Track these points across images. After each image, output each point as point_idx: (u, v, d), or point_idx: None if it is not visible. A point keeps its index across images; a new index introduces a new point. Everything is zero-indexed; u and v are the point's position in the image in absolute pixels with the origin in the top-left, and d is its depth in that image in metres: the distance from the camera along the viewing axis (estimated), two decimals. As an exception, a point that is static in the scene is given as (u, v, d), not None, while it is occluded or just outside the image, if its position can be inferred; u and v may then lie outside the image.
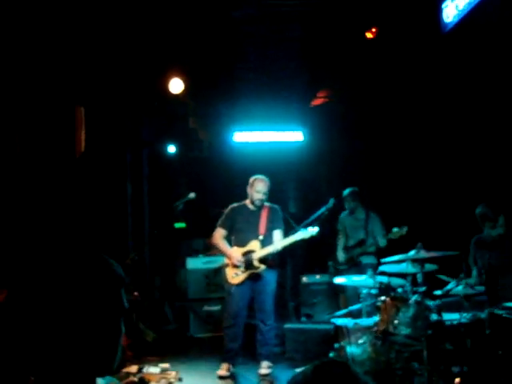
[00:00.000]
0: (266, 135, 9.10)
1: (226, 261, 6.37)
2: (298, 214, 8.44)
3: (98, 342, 1.26)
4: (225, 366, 6.23)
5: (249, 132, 9.18)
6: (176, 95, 8.35)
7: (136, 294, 7.30)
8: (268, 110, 9.20)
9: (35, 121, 6.98)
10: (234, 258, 6.19)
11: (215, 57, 8.30)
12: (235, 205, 6.54)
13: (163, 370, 6.01)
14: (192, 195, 7.19)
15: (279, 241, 6.19)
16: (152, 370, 5.94)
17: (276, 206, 6.51)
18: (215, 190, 8.30)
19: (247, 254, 6.21)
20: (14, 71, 6.41)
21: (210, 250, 8.37)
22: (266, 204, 6.44)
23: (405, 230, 6.47)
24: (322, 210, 6.65)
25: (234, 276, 6.22)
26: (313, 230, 6.04)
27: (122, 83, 7.91)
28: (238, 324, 6.25)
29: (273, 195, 6.61)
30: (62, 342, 1.22)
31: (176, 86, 8.18)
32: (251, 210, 6.41)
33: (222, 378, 6.16)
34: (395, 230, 6.51)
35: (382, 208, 7.42)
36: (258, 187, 6.33)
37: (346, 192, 7.42)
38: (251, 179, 6.45)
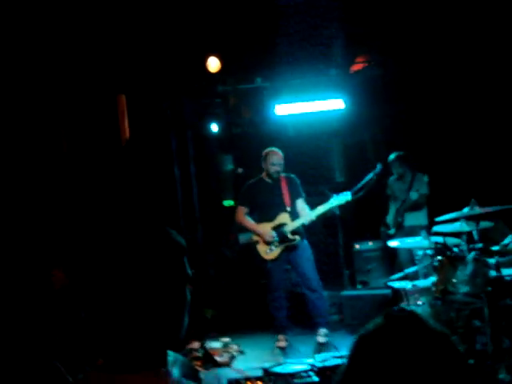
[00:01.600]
0: (307, 106, 9.01)
1: (254, 238, 6.31)
2: (346, 182, 8.38)
3: (164, 312, 1.29)
4: (281, 337, 6.30)
5: (290, 104, 9.11)
6: (214, 73, 8.36)
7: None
8: (307, 80, 9.10)
9: (79, 113, 7.13)
10: (266, 235, 6.15)
11: (251, 31, 8.25)
12: (252, 181, 6.47)
13: (225, 344, 6.12)
14: (240, 170, 7.23)
15: (312, 211, 6.12)
16: (214, 344, 6.05)
17: (292, 175, 6.42)
18: (260, 164, 8.30)
19: (278, 227, 6.16)
20: (55, 64, 6.53)
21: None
22: (282, 175, 6.37)
23: (425, 177, 6.83)
24: (370, 175, 6.60)
25: (269, 252, 6.18)
26: (346, 195, 6.00)
27: (161, 67, 7.95)
28: (280, 296, 6.30)
29: (318, 165, 6.58)
30: (127, 316, 1.26)
31: (213, 64, 8.18)
32: (270, 183, 6.33)
33: (281, 348, 6.23)
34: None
35: (432, 169, 7.29)
36: (273, 160, 6.24)
37: (392, 157, 7.33)
38: (264, 153, 6.36)
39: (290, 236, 6.12)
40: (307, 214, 6.12)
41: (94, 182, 6.71)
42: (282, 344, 6.26)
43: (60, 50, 6.53)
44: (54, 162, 6.75)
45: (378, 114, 9.21)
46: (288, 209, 6.20)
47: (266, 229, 6.19)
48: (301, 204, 6.27)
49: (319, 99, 9.10)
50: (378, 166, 6.66)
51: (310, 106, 8.95)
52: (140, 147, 7.94)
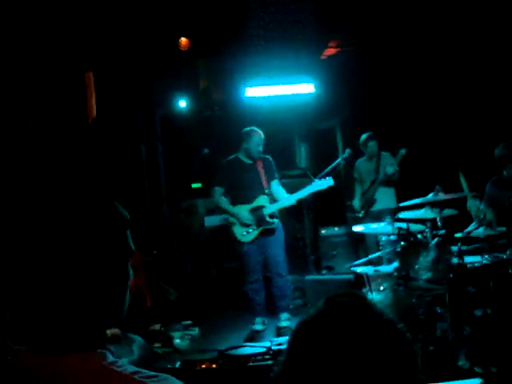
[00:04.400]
0: (278, 89, 8.96)
1: (230, 220, 6.18)
2: (312, 167, 8.35)
3: (103, 289, 1.21)
4: (259, 320, 6.24)
5: (260, 87, 9.04)
6: (185, 54, 8.22)
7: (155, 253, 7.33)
8: (279, 64, 9.03)
9: (45, 89, 6.93)
10: (244, 217, 6.03)
11: (222, 12, 8.12)
12: (228, 159, 6.28)
13: (186, 327, 6.06)
14: (206, 151, 7.13)
15: (293, 194, 6.06)
16: (176, 327, 5.99)
17: (267, 156, 6.29)
18: (229, 147, 8.22)
19: (256, 210, 6.06)
20: (22, 40, 6.33)
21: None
22: None
23: (403, 150, 6.79)
24: (338, 160, 6.58)
25: (245, 234, 6.06)
26: (329, 180, 5.95)
27: (130, 45, 7.79)
28: (259, 278, 6.25)
29: (285, 149, 6.51)
30: (62, 292, 1.17)
31: (184, 44, 8.04)
32: (247, 163, 6.18)
33: (259, 331, 6.17)
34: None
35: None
36: (257, 139, 6.09)
37: (366, 136, 7.26)
38: (246, 132, 6.18)
39: (268, 219, 6.03)
40: (288, 198, 6.03)
41: (54, 162, 6.54)
42: (260, 327, 6.21)
43: (28, 25, 6.33)
44: (19, 137, 6.58)
45: (348, 99, 9.20)
46: (266, 191, 6.10)
47: (244, 211, 6.06)
48: (276, 186, 6.18)
49: (290, 83, 9.05)
50: (347, 151, 6.64)
51: (280, 89, 8.89)
52: (106, 124, 7.79)
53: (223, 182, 6.21)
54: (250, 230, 6.07)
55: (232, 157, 6.28)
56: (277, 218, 6.10)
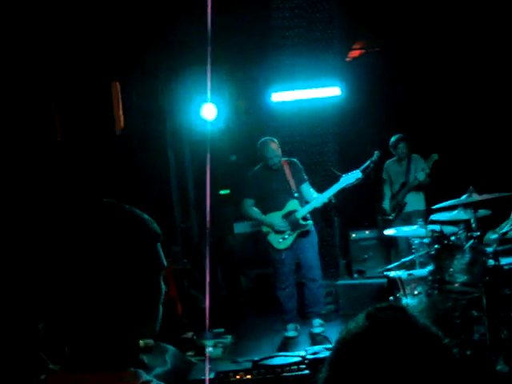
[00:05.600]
0: (303, 93, 8.91)
1: (264, 230, 6.14)
2: (342, 171, 8.28)
3: (135, 305, 1.18)
4: (291, 326, 6.20)
5: (286, 92, 9.00)
6: (210, 60, 8.22)
7: (185, 261, 7.33)
8: (304, 68, 9.00)
9: (73, 101, 7.00)
10: (277, 225, 6.00)
11: (246, 18, 8.12)
12: (255, 170, 6.26)
13: (218, 335, 6.04)
14: (233, 157, 7.12)
15: (323, 193, 6.00)
16: (207, 335, 5.97)
17: (294, 160, 6.25)
18: (256, 153, 8.22)
19: (289, 215, 6.02)
20: (48, 53, 6.40)
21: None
22: (284, 159, 6.21)
23: (435, 155, 6.61)
24: (367, 163, 6.49)
25: (282, 241, 6.02)
26: (357, 173, 5.88)
27: (154, 53, 7.83)
28: (291, 284, 6.20)
29: (313, 152, 6.46)
30: (95, 311, 1.14)
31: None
32: (273, 170, 6.14)
33: (292, 338, 6.12)
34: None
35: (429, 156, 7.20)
36: (269, 152, 6.05)
37: (396, 139, 7.20)
38: (260, 142, 6.18)
39: (301, 222, 5.99)
40: (318, 197, 5.98)
41: (83, 174, 6.58)
42: (293, 334, 6.17)
43: (55, 38, 6.40)
44: (47, 148, 6.65)
45: (375, 101, 9.12)
46: (296, 195, 6.07)
47: (277, 218, 6.03)
48: (306, 188, 6.14)
49: (315, 87, 9.00)
50: (376, 154, 6.56)
51: (306, 94, 8.84)
52: (133, 135, 7.83)
53: (252, 193, 6.20)
54: (286, 236, 6.02)
55: (258, 167, 6.28)
56: (310, 220, 6.06)
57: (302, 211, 6.00)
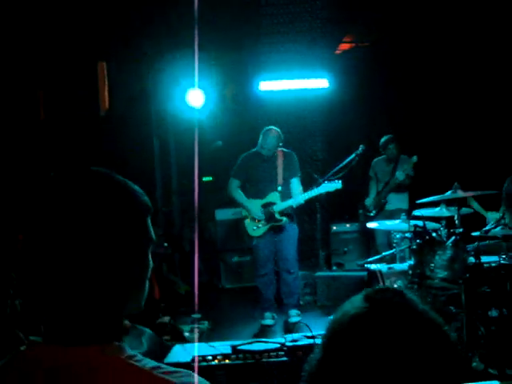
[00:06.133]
0: (291, 83, 8.88)
1: (243, 213, 6.19)
2: (327, 162, 8.28)
3: (123, 278, 1.14)
4: (269, 315, 6.21)
5: (274, 81, 8.97)
6: (199, 47, 8.15)
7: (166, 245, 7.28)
8: (293, 58, 8.97)
9: (57, 81, 6.89)
10: (254, 212, 6.03)
11: (237, 5, 8.06)
12: (249, 153, 6.27)
13: (195, 320, 6.02)
14: (219, 143, 7.08)
15: (301, 194, 6.01)
16: (185, 320, 5.95)
17: (291, 152, 6.25)
18: (242, 141, 8.14)
19: (267, 206, 6.03)
20: (34, 30, 6.29)
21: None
22: (281, 150, 6.21)
23: (414, 158, 6.56)
24: (352, 156, 6.50)
25: (255, 229, 6.08)
26: (337, 183, 5.88)
27: (141, 36, 7.74)
28: (268, 272, 6.21)
29: (300, 143, 6.44)
30: (79, 281, 1.10)
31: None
32: (265, 158, 6.14)
33: (268, 326, 6.13)
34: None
35: (415, 152, 7.22)
36: (266, 141, 6.06)
37: (386, 139, 7.18)
38: (263, 130, 6.17)
39: (277, 216, 6.00)
40: (296, 197, 5.99)
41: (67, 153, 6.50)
42: (269, 322, 6.17)
43: (42, 16, 6.29)
44: (30, 127, 6.55)
45: (363, 95, 9.12)
46: (279, 188, 6.07)
47: (256, 206, 6.06)
48: (295, 184, 6.13)
49: (304, 77, 8.97)
50: (361, 147, 6.56)
51: (294, 84, 8.81)
52: (119, 117, 7.75)
53: (240, 175, 6.22)
54: (260, 226, 6.07)
55: (253, 150, 6.27)
56: (288, 216, 6.04)
57: (280, 206, 6.00)
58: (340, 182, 5.95)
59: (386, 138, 7.20)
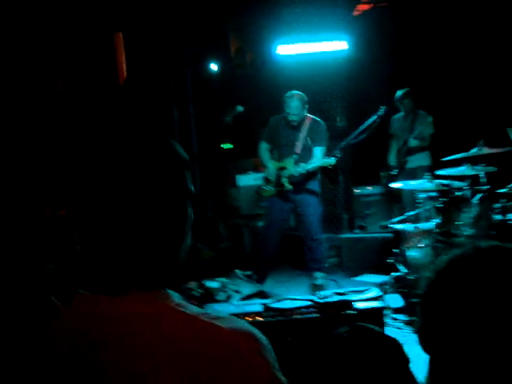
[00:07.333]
0: (310, 46, 8.77)
1: (264, 174, 6.35)
2: (348, 126, 8.23)
3: (166, 228, 1.17)
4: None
5: (292, 44, 8.87)
6: (216, 13, 8.10)
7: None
8: (311, 20, 8.84)
9: (75, 52, 6.90)
10: (268, 173, 6.15)
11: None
12: (275, 117, 6.31)
13: (222, 284, 6.09)
14: (240, 108, 7.08)
15: (300, 166, 5.99)
16: (211, 284, 6.02)
17: (319, 121, 6.19)
18: (262, 106, 8.11)
19: (280, 170, 6.09)
20: (51, 3, 6.28)
21: (258, 168, 8.30)
22: (311, 117, 6.18)
23: (430, 118, 6.65)
24: (373, 118, 6.44)
25: (264, 189, 6.20)
26: (331, 159, 5.83)
27: (160, 5, 7.68)
28: (270, 235, 6.24)
29: (319, 107, 6.39)
30: (122, 234, 1.13)
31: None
32: (291, 123, 6.11)
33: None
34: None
35: (437, 110, 7.13)
36: (289, 108, 6.03)
37: (401, 93, 7.16)
38: (285, 96, 6.13)
39: (283, 181, 6.01)
40: (298, 167, 5.98)
41: (89, 122, 6.54)
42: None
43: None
44: (49, 100, 6.58)
45: (382, 56, 8.99)
46: (295, 155, 6.06)
47: (272, 168, 6.16)
48: (316, 153, 6.07)
49: (322, 40, 8.85)
50: (382, 109, 6.49)
51: (312, 47, 8.71)
52: (138, 86, 7.74)
53: (267, 138, 6.31)
54: (267, 188, 6.16)
55: (281, 115, 6.26)
56: (297, 187, 6.02)
57: (288, 172, 6.00)
58: (333, 158, 5.87)
59: (402, 92, 7.18)
